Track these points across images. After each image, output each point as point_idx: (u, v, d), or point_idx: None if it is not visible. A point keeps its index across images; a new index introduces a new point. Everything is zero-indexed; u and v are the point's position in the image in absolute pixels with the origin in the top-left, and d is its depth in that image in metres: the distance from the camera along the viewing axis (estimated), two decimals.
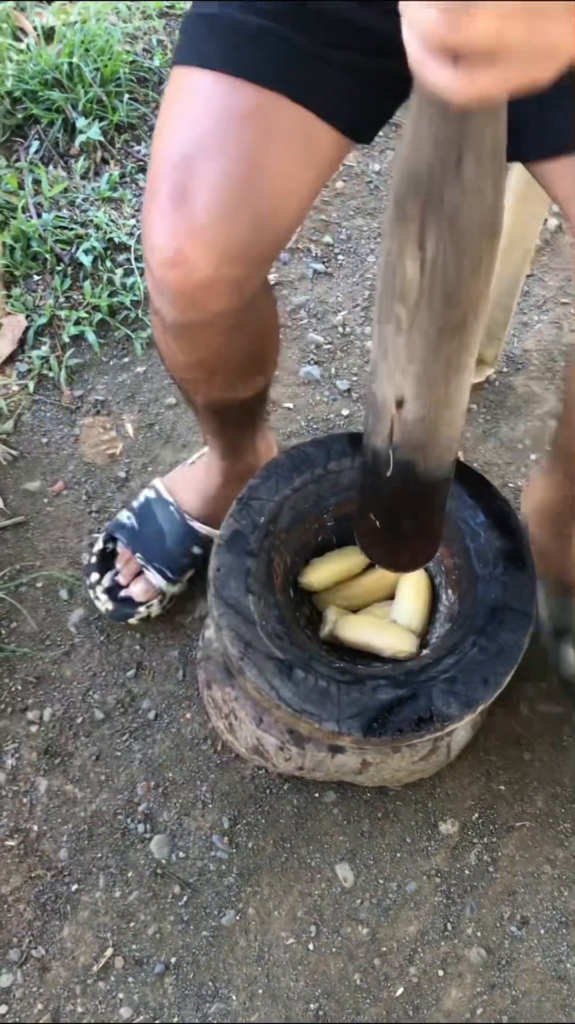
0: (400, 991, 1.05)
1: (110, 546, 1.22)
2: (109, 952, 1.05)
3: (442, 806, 1.14)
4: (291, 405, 1.41)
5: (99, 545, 1.22)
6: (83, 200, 1.53)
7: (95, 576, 1.21)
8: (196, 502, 1.20)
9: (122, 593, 1.20)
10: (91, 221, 1.50)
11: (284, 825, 1.12)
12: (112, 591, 1.20)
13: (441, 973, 1.06)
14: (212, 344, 0.87)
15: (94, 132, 1.56)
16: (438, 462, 0.72)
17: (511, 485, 1.36)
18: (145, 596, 1.19)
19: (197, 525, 1.20)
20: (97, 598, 1.20)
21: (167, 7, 1.80)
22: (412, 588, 1.03)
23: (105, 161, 1.59)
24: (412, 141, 0.53)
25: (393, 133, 1.66)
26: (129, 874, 1.09)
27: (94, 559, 1.22)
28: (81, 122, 1.57)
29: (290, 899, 1.08)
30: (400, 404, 0.66)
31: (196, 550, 1.20)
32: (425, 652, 0.95)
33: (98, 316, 1.43)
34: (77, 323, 1.43)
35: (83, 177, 1.56)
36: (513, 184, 1.18)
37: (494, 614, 0.91)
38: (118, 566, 1.21)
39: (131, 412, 1.38)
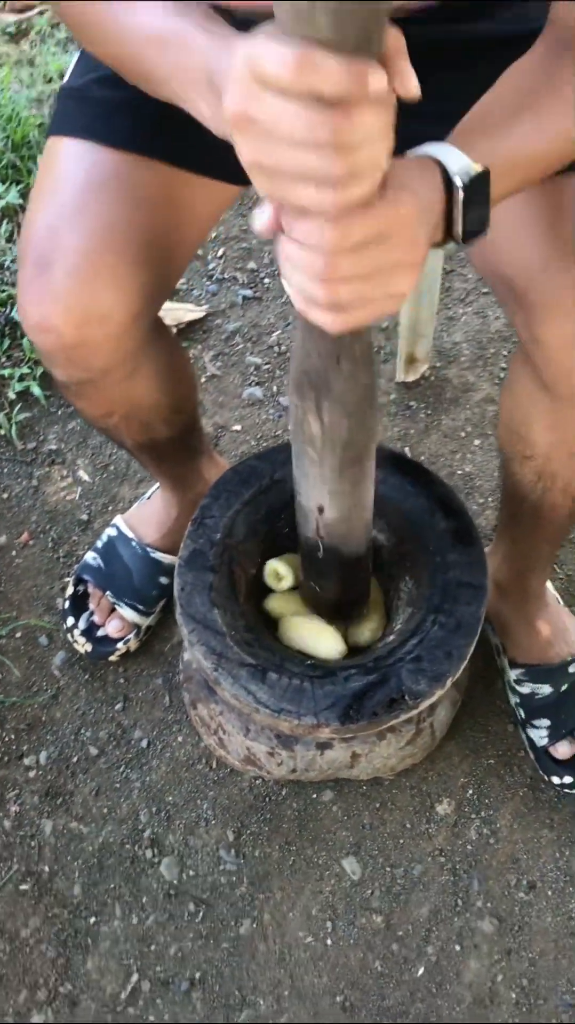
0: (421, 971, 1.08)
1: (81, 588, 1.26)
2: (135, 978, 1.07)
3: (436, 788, 1.18)
4: (239, 427, 1.46)
5: (70, 589, 1.26)
6: (11, 262, 1.58)
7: (71, 620, 1.24)
8: (156, 534, 1.24)
9: (99, 633, 1.23)
10: None
11: (287, 829, 1.15)
12: (89, 632, 1.23)
13: (458, 948, 1.09)
14: (112, 396, 0.91)
15: (12, 196, 1.61)
16: (356, 546, 0.91)
17: (459, 472, 1.41)
18: (121, 632, 1.23)
19: (160, 556, 1.23)
20: (75, 641, 1.23)
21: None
22: None
23: None
24: (303, 347, 0.71)
25: None
26: (144, 899, 1.11)
27: (67, 604, 1.25)
28: None
29: (303, 899, 1.11)
30: (321, 510, 0.85)
31: (164, 580, 1.24)
32: (391, 637, 0.99)
33: (40, 370, 1.48)
34: (21, 379, 1.47)
35: (8, 240, 1.61)
36: None
37: (449, 591, 0.95)
38: (91, 607, 1.25)
39: (84, 457, 1.42)
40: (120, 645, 1.23)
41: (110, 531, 1.26)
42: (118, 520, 1.27)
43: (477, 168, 0.65)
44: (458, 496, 1.02)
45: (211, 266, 1.64)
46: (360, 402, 0.74)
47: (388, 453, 1.05)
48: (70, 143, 0.83)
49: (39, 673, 1.25)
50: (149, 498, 1.29)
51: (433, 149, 0.65)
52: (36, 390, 1.46)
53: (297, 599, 1.04)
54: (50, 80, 1.84)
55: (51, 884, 1.12)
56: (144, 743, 1.21)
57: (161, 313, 1.54)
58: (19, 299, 0.82)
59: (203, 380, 1.51)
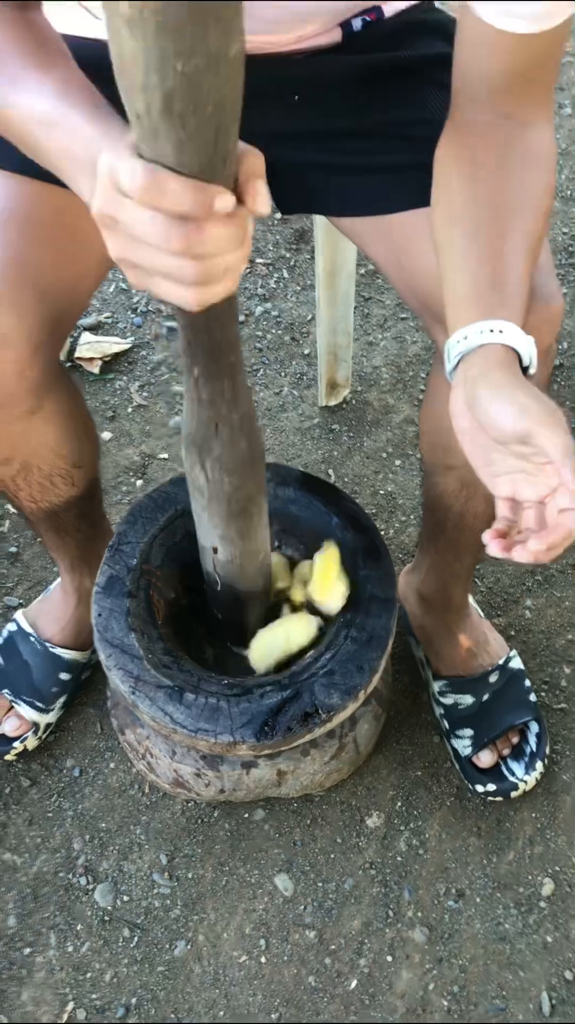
0: (354, 984, 1.09)
1: None
2: (71, 1006, 1.08)
3: (366, 801, 1.20)
4: (166, 455, 1.48)
5: None
6: None
7: None
8: (55, 628, 1.22)
9: None
10: None
11: (220, 850, 1.17)
12: None
13: (390, 959, 1.11)
14: (10, 435, 0.92)
15: None
16: (252, 584, 0.96)
17: (381, 491, 1.44)
18: (18, 731, 1.20)
19: (60, 651, 1.21)
20: None
21: None
22: (322, 566, 1.06)
23: None
24: (188, 410, 0.78)
25: None
26: (78, 927, 1.12)
27: None
28: None
29: (236, 918, 1.13)
30: (215, 551, 0.91)
31: (64, 676, 1.22)
32: (308, 655, 1.01)
33: None
34: None
35: None
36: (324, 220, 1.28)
37: (360, 605, 0.98)
38: None
39: None
40: (17, 744, 1.19)
41: (10, 626, 1.24)
42: (18, 615, 1.24)
43: (532, 344, 0.72)
44: (366, 513, 1.05)
45: (135, 299, 1.67)
46: (240, 464, 0.81)
47: (299, 474, 1.08)
48: None
49: None
50: (49, 592, 1.27)
51: (508, 338, 0.71)
52: None
53: None
54: None
55: None
56: (76, 771, 1.21)
57: (86, 346, 1.57)
58: None
59: (130, 410, 1.53)
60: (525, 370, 0.72)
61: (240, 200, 0.55)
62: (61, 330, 0.89)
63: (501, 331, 0.71)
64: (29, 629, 1.23)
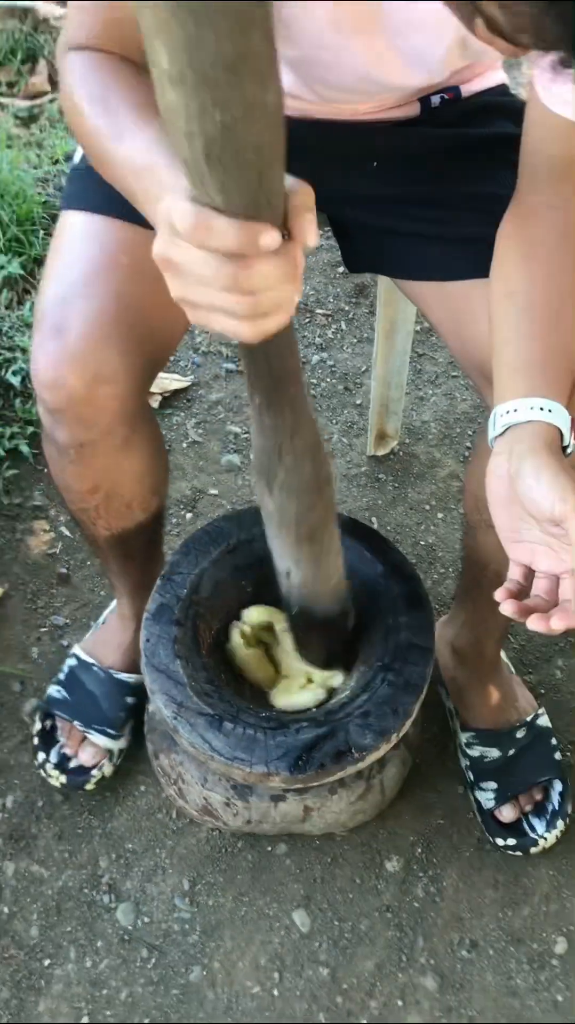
0: None
1: (48, 723, 1.26)
2: (85, 1020, 1.10)
3: (386, 845, 1.22)
4: (216, 491, 1.53)
5: (37, 725, 1.25)
6: (9, 328, 1.67)
7: (41, 755, 1.23)
8: (117, 655, 1.25)
9: (72, 763, 1.23)
10: (17, 345, 1.64)
11: (241, 880, 1.19)
12: (61, 764, 1.23)
13: (400, 1003, 1.12)
14: (104, 465, 0.97)
15: (14, 267, 1.71)
16: (326, 608, 0.98)
17: (422, 543, 1.48)
18: (95, 760, 1.22)
19: (124, 676, 1.24)
20: (49, 776, 1.22)
21: (72, 152, 1.98)
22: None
23: (27, 291, 1.74)
24: (255, 438, 0.80)
25: None
26: (98, 944, 1.15)
27: (36, 740, 1.25)
28: (2, 259, 1.72)
29: (252, 949, 1.15)
30: (288, 575, 0.93)
31: (130, 700, 1.25)
32: (344, 693, 1.05)
33: (30, 429, 1.55)
34: (11, 437, 1.54)
35: (7, 307, 1.71)
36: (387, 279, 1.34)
37: (399, 652, 1.01)
38: (61, 739, 1.24)
39: (66, 515, 1.49)
40: (95, 772, 1.22)
41: (70, 661, 1.27)
42: (76, 649, 1.27)
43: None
44: (410, 563, 1.09)
45: (198, 339, 1.73)
46: (306, 488, 0.84)
47: (348, 519, 1.12)
48: (80, 216, 0.92)
49: (10, 719, 1.30)
50: (104, 623, 1.31)
51: (556, 419, 0.76)
52: (24, 448, 1.54)
53: (262, 657, 1.10)
54: (56, 162, 1.95)
55: (9, 925, 1.15)
56: (108, 791, 1.25)
57: None
58: (33, 361, 0.89)
59: (184, 445, 1.59)
60: (564, 449, 0.77)
61: (290, 234, 0.57)
62: (156, 368, 0.95)
63: (550, 411, 0.75)
64: (90, 660, 1.26)
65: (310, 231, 0.58)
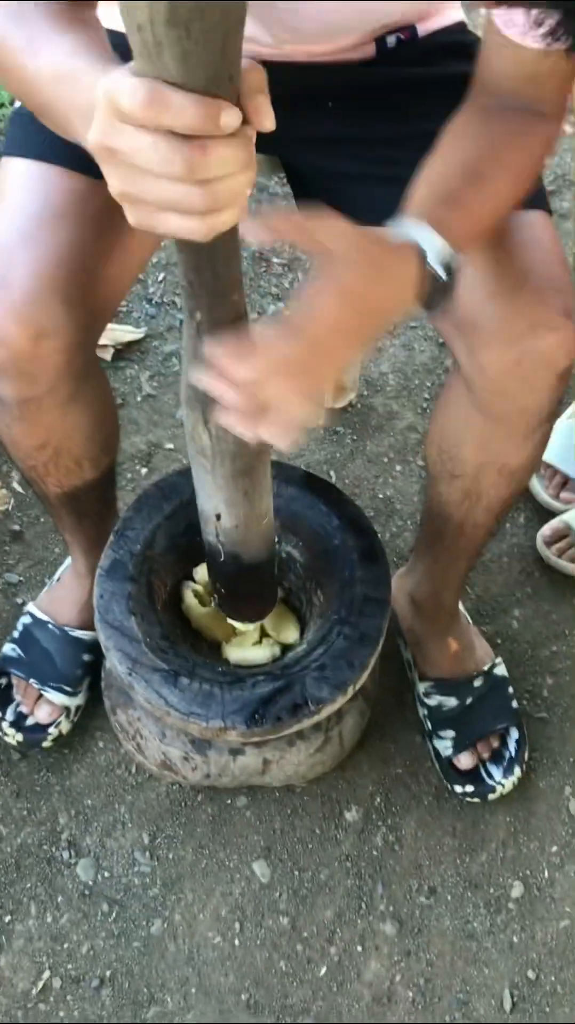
0: (323, 970, 1.12)
1: (3, 681, 1.24)
2: (46, 975, 1.11)
3: (346, 795, 1.23)
4: (171, 446, 1.51)
5: None
6: None
7: None
8: (72, 613, 1.24)
9: (28, 721, 1.22)
10: None
11: (201, 833, 1.20)
12: (17, 722, 1.22)
13: (359, 949, 1.14)
14: (51, 420, 0.95)
15: None
16: (256, 552, 0.95)
17: (380, 495, 1.47)
18: (51, 717, 1.22)
19: (80, 633, 1.23)
20: (5, 734, 1.21)
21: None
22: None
23: None
24: (189, 364, 0.72)
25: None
26: (59, 899, 1.15)
27: None
28: None
29: (213, 901, 1.16)
30: (218, 517, 0.90)
31: (87, 657, 1.24)
32: (301, 647, 1.04)
33: None
34: None
35: None
36: None
37: (354, 605, 1.01)
38: (17, 697, 1.23)
39: (18, 472, 1.46)
40: (52, 730, 1.21)
41: (24, 619, 1.26)
42: (30, 607, 1.27)
43: (452, 256, 0.72)
44: (367, 516, 1.08)
45: (151, 290, 1.70)
46: None
47: (303, 473, 1.11)
48: (22, 163, 0.88)
49: None
50: (58, 580, 1.30)
51: (413, 232, 0.72)
52: None
53: (218, 614, 1.09)
54: (1, 105, 1.89)
55: None
56: (66, 748, 1.24)
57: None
58: None
59: (139, 399, 1.56)
60: (435, 280, 0.73)
61: (244, 117, 0.52)
62: (103, 320, 0.92)
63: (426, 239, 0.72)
64: (45, 617, 1.24)
65: (267, 112, 0.53)
